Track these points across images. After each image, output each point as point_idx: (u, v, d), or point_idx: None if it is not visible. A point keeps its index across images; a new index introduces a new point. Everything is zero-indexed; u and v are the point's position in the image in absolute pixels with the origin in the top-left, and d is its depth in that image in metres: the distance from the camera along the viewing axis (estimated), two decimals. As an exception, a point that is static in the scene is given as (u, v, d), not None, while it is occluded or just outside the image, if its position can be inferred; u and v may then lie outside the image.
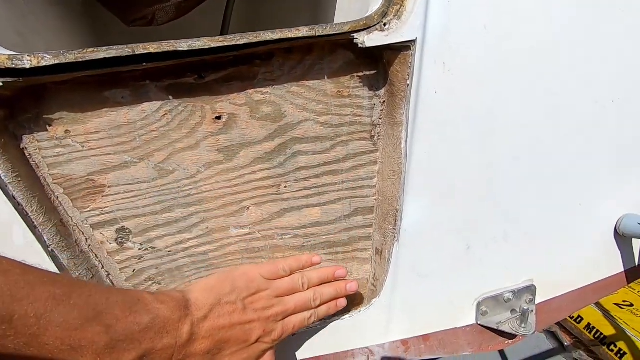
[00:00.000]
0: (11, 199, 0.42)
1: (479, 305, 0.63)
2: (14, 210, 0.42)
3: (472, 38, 0.45)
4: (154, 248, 0.51)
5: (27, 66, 0.36)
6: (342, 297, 0.53)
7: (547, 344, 1.80)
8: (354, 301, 0.62)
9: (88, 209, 0.47)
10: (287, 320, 0.47)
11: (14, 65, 0.36)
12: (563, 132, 0.55)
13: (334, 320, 0.58)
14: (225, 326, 0.41)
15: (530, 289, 0.65)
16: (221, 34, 0.86)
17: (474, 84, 0.48)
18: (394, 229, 0.53)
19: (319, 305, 0.50)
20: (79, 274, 0.47)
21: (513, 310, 0.65)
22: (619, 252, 0.69)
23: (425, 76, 0.46)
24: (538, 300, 0.66)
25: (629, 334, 1.52)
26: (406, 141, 0.48)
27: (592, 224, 0.65)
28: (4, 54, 0.36)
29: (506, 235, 0.59)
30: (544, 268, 0.65)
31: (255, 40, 0.40)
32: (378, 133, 0.51)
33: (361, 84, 0.48)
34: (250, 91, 0.46)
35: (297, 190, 0.52)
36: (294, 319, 0.48)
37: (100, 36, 0.86)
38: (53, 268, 0.46)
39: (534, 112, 0.52)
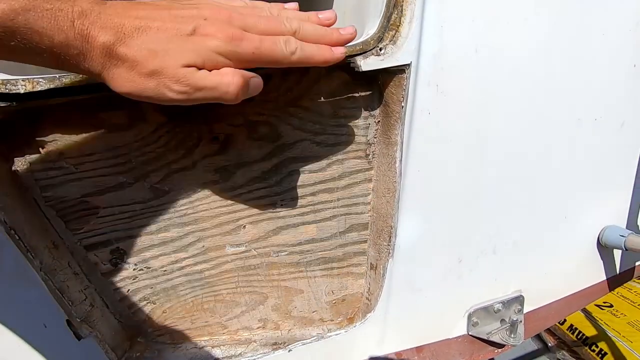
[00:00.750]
0: (2, 223, 0.41)
1: (470, 316, 0.65)
2: (5, 234, 0.41)
3: (464, 61, 0.47)
4: (149, 268, 0.51)
5: (22, 91, 0.36)
6: (336, 41, 0.38)
7: (532, 345, 1.85)
8: (348, 316, 0.62)
9: (82, 231, 0.47)
10: (250, 35, 0.33)
11: (7, 90, 0.35)
12: (550, 150, 0.57)
13: (330, 335, 0.59)
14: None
15: (519, 299, 0.67)
16: None
17: (466, 105, 0.49)
18: (389, 245, 0.54)
19: (298, 35, 0.36)
20: (72, 297, 0.47)
21: (502, 321, 0.66)
22: (601, 261, 0.71)
23: (419, 97, 0.47)
24: (526, 309, 0.68)
25: (609, 335, 1.57)
26: (400, 160, 0.49)
27: (577, 235, 0.67)
28: (-3, 79, 0.35)
29: (496, 248, 0.61)
30: (532, 278, 0.67)
31: (253, 64, 0.40)
32: (373, 152, 0.52)
33: (356, 105, 0.49)
34: (248, 112, 0.46)
35: (293, 208, 0.53)
36: (264, 39, 0.34)
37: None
38: (45, 291, 0.45)
39: (522, 130, 0.54)
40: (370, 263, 0.58)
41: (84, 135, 0.42)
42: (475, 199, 0.56)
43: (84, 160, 0.43)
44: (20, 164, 0.42)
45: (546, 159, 0.58)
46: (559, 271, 0.69)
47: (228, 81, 0.33)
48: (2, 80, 0.35)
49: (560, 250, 0.67)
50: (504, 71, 0.49)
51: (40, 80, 0.36)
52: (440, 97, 0.48)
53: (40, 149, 0.42)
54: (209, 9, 0.33)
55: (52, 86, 0.36)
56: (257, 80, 0.36)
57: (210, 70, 0.33)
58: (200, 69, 0.32)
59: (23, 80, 0.36)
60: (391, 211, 0.52)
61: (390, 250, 0.55)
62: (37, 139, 0.41)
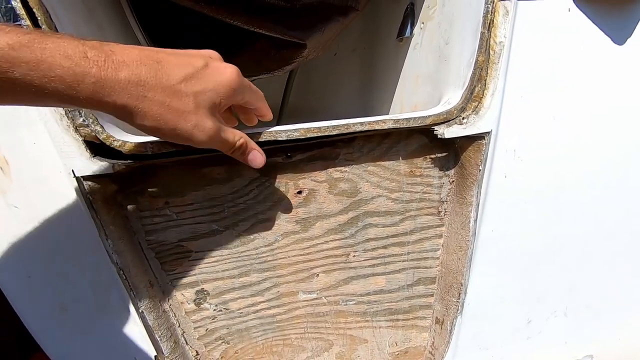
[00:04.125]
0: (115, 264, 0.46)
1: (537, 379, 0.62)
2: (116, 274, 0.46)
3: (542, 128, 0.48)
4: (227, 309, 0.54)
5: (149, 152, 0.41)
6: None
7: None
8: (411, 368, 0.62)
9: (174, 272, 0.51)
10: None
11: (138, 152, 0.41)
12: (626, 211, 0.56)
13: (393, 389, 0.58)
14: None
15: (590, 365, 0.64)
16: (283, 99, 0.93)
17: (542, 168, 0.50)
18: (458, 301, 0.55)
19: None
20: (161, 334, 0.50)
21: (573, 387, 0.63)
22: (681, 329, 0.67)
23: (496, 161, 0.48)
24: (598, 376, 0.65)
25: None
26: (475, 220, 0.50)
27: (654, 300, 0.64)
28: (131, 142, 0.41)
29: (567, 310, 0.59)
30: (605, 343, 0.64)
31: (346, 130, 0.44)
32: (445, 209, 0.53)
33: (432, 165, 0.51)
34: (331, 170, 0.50)
35: (364, 260, 0.54)
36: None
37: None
38: (141, 327, 0.49)
39: (597, 192, 0.54)
40: (436, 317, 0.59)
41: (187, 187, 0.47)
42: (548, 259, 0.55)
43: (184, 209, 0.48)
44: (132, 211, 0.47)
45: (622, 220, 0.57)
46: (633, 336, 0.65)
47: (231, 146, 0.38)
48: (136, 143, 0.41)
49: (635, 313, 0.64)
50: (581, 135, 0.50)
51: (164, 144, 0.41)
52: (517, 161, 0.49)
53: (151, 198, 0.47)
54: (207, 51, 0.37)
55: (173, 149, 0.42)
56: (254, 157, 0.41)
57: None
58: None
59: (151, 144, 0.41)
60: (462, 268, 0.53)
61: (459, 307, 0.55)
62: (149, 189, 0.47)
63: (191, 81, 0.33)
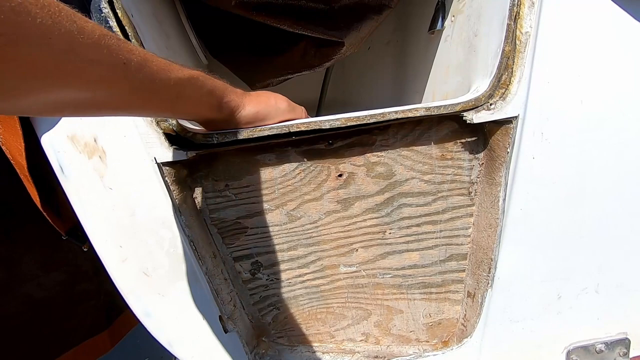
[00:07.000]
0: (187, 236, 0.54)
1: (569, 353, 0.65)
2: (187, 246, 0.55)
3: (569, 111, 0.51)
4: (278, 279, 0.62)
5: (215, 142, 0.49)
6: None
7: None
8: (443, 340, 0.67)
9: (233, 245, 0.59)
10: None
11: (206, 141, 0.49)
12: (659, 192, 0.57)
13: (427, 356, 0.64)
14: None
15: (624, 342, 0.65)
16: (321, 92, 0.99)
17: (569, 150, 0.53)
18: (488, 275, 0.59)
19: None
20: (223, 298, 0.59)
21: (605, 362, 0.65)
22: None
23: (524, 144, 0.52)
24: (633, 354, 0.66)
25: None
26: (504, 199, 0.54)
27: (693, 280, 0.64)
28: (201, 133, 0.49)
29: (598, 287, 0.61)
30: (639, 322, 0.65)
31: (382, 119, 0.50)
32: (475, 190, 0.58)
33: (462, 149, 0.55)
34: (368, 154, 0.55)
35: (399, 237, 0.60)
36: None
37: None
38: (207, 291, 0.57)
39: (623, 173, 0.56)
40: (468, 291, 0.63)
41: (244, 171, 0.55)
42: (577, 237, 0.58)
43: (241, 191, 0.56)
44: (199, 192, 0.56)
45: (656, 201, 0.58)
46: (671, 317, 0.66)
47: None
48: (203, 134, 0.49)
49: (673, 295, 0.64)
50: (608, 117, 0.52)
51: (228, 134, 0.49)
52: (545, 143, 0.52)
53: (214, 182, 0.55)
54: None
55: (234, 138, 0.49)
56: None
57: None
58: None
59: (217, 134, 0.49)
60: (492, 245, 0.57)
61: (490, 282, 0.59)
62: (212, 174, 0.55)
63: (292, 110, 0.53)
